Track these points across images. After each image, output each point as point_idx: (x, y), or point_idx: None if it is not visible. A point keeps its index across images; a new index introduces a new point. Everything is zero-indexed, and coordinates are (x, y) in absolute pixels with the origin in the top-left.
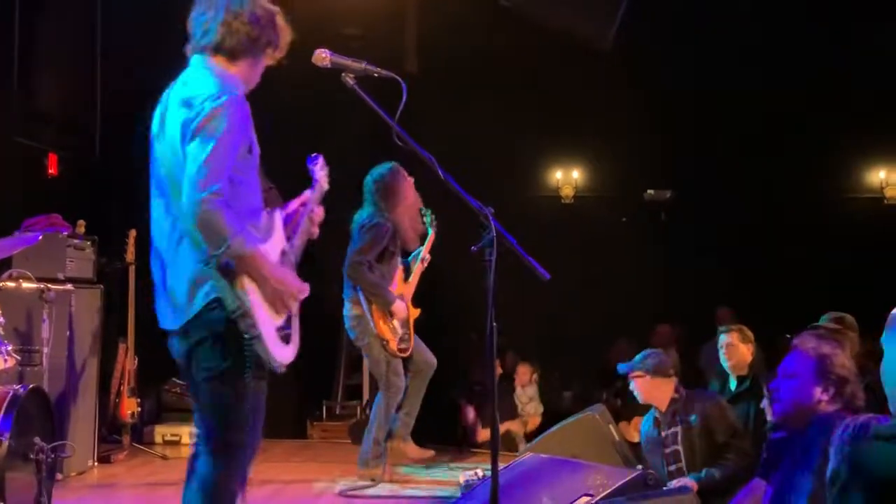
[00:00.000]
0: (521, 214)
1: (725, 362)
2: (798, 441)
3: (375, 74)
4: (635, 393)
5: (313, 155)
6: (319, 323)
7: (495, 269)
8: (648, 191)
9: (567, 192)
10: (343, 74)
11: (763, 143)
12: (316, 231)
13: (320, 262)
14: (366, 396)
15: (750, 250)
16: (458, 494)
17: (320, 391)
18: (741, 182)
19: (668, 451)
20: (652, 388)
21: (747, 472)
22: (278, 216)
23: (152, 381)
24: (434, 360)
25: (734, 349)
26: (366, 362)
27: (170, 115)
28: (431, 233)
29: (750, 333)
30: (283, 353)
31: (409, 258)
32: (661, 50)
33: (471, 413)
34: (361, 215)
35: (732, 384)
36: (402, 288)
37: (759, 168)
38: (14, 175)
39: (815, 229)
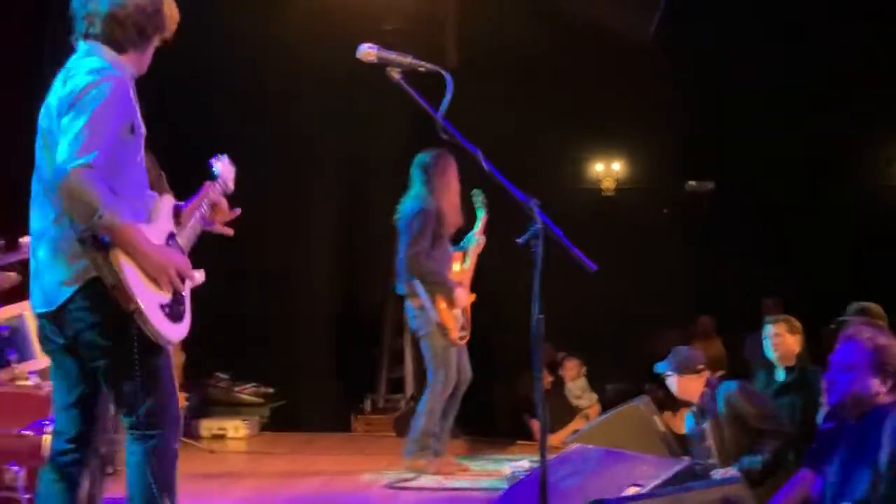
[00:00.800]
0: (562, 207)
1: (772, 353)
2: (853, 432)
3: (421, 69)
4: (675, 390)
5: (218, 155)
6: (361, 317)
7: (542, 262)
8: (690, 182)
9: (608, 184)
10: (388, 69)
11: (806, 132)
12: (218, 223)
13: (363, 256)
14: (408, 390)
15: (793, 240)
16: (505, 486)
17: (364, 385)
18: (783, 172)
19: (704, 444)
20: (682, 386)
21: (786, 454)
22: (166, 200)
23: (198, 376)
24: (468, 377)
25: (781, 340)
26: (408, 356)
27: (51, 95)
28: (483, 213)
29: (797, 324)
30: (169, 329)
31: (463, 243)
32: (702, 41)
33: (535, 424)
34: (405, 206)
35: (780, 375)
36: (459, 274)
37: (802, 157)
38: None
39: (860, 218)
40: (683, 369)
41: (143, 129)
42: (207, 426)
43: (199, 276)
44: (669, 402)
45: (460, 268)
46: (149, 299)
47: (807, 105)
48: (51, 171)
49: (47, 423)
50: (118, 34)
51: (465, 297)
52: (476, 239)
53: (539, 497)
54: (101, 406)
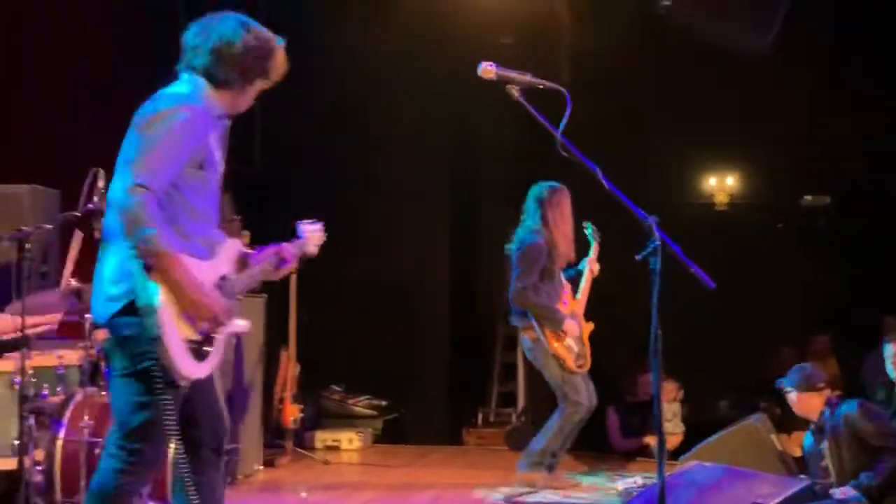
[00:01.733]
0: (675, 222)
1: (892, 373)
2: None
3: (540, 87)
4: (794, 408)
5: (310, 221)
6: (473, 331)
7: (660, 279)
8: (806, 196)
9: (721, 198)
10: (508, 86)
11: None
12: (281, 274)
13: (475, 271)
14: (520, 404)
15: None
16: (619, 502)
17: (475, 398)
18: None
19: (822, 464)
20: (802, 403)
21: None
22: (232, 244)
23: (312, 388)
24: (594, 403)
25: None
26: (520, 370)
27: (136, 114)
28: (595, 243)
29: None
30: (188, 366)
31: (573, 272)
32: (817, 52)
33: (615, 421)
34: (519, 237)
35: None
36: (573, 304)
37: None
38: None
39: None
40: (805, 386)
41: (218, 167)
42: (322, 437)
43: (244, 325)
44: (784, 422)
45: (571, 299)
46: (174, 331)
47: None
48: (113, 189)
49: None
50: (218, 71)
51: (575, 327)
52: (588, 268)
53: None
54: (203, 411)
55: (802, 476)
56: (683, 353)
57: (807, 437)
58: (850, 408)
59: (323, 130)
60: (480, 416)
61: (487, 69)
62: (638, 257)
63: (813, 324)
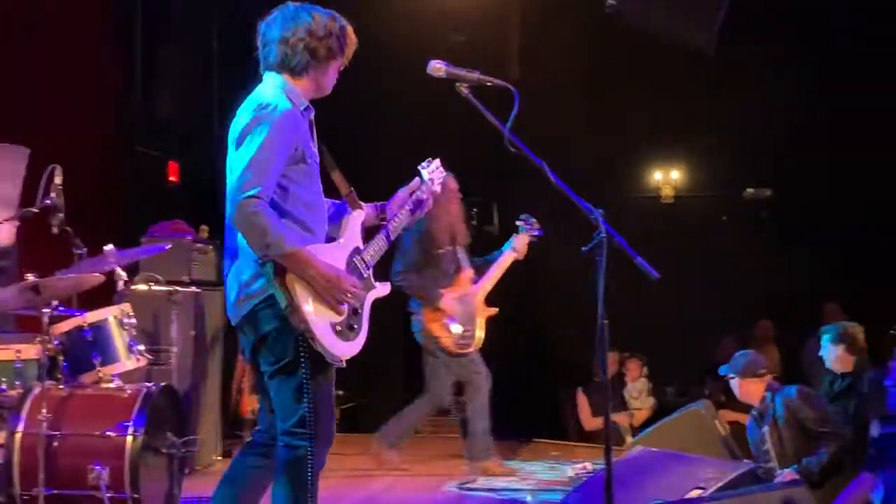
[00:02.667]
0: (621, 215)
1: (829, 364)
2: None
3: (488, 84)
4: (736, 393)
5: (427, 162)
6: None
7: (605, 269)
8: (748, 189)
9: (667, 192)
10: (457, 84)
11: (861, 138)
12: (429, 205)
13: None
14: None
15: (852, 245)
16: (569, 488)
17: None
18: (841, 178)
19: (764, 448)
20: (743, 389)
21: (844, 457)
22: (355, 217)
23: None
24: (485, 371)
25: (837, 355)
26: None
27: (231, 127)
28: (518, 235)
29: (854, 332)
30: (341, 348)
31: (482, 259)
32: (756, 50)
33: (584, 401)
34: None
35: (838, 381)
36: (464, 286)
37: (860, 162)
38: (138, 183)
39: None
40: (747, 372)
41: (316, 156)
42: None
43: (383, 288)
44: (728, 407)
45: (467, 282)
46: (320, 319)
47: (866, 107)
48: (228, 205)
49: (130, 424)
50: (291, 59)
51: (456, 307)
52: (504, 256)
53: (605, 499)
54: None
55: (746, 460)
56: (637, 339)
57: (749, 422)
58: (789, 393)
59: None
60: None
61: (437, 67)
62: (584, 249)
63: (757, 312)
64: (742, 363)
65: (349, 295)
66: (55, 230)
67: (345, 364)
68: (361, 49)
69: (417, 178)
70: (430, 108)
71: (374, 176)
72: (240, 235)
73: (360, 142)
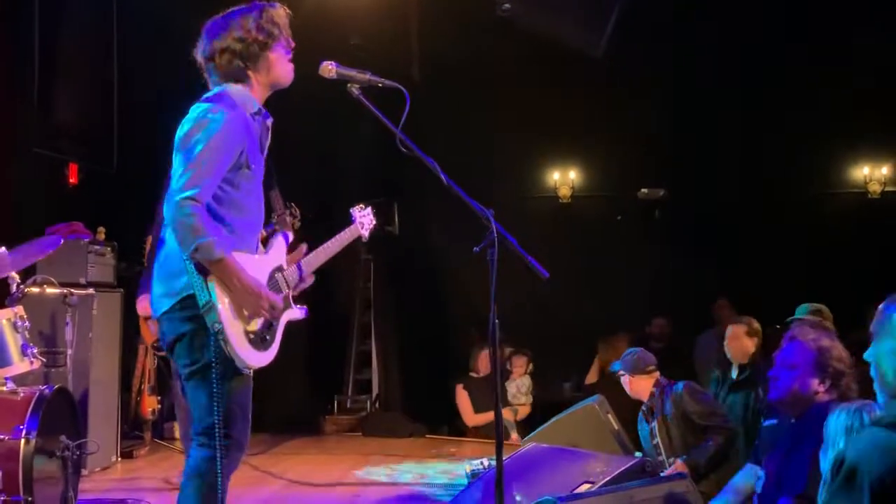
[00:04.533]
0: (520, 215)
1: (728, 352)
2: (793, 428)
3: (379, 84)
4: (626, 389)
5: (362, 205)
6: (328, 320)
7: (496, 268)
8: (642, 189)
9: (564, 192)
10: (349, 85)
11: (752, 140)
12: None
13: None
14: (375, 391)
15: (741, 244)
16: (465, 482)
17: (331, 386)
18: (731, 179)
19: (653, 442)
20: (633, 385)
21: (729, 448)
22: (282, 237)
23: (171, 379)
24: None
25: (739, 341)
26: (374, 358)
27: (178, 130)
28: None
29: (757, 326)
30: (250, 356)
31: None
32: (651, 52)
33: (464, 397)
34: None
35: (733, 373)
36: None
37: (749, 163)
38: (36, 185)
39: (802, 223)
40: (636, 369)
41: (261, 163)
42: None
43: (300, 312)
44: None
45: None
46: (234, 324)
47: (755, 112)
48: (165, 204)
49: (23, 427)
50: (228, 69)
51: None
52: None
53: (496, 494)
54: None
55: (637, 454)
56: (529, 339)
57: (639, 418)
58: (677, 389)
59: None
60: (337, 404)
61: (328, 68)
62: (476, 249)
63: (652, 309)
64: (631, 360)
65: (266, 312)
66: None
67: (251, 372)
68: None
69: (348, 229)
70: (331, 111)
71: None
72: (168, 234)
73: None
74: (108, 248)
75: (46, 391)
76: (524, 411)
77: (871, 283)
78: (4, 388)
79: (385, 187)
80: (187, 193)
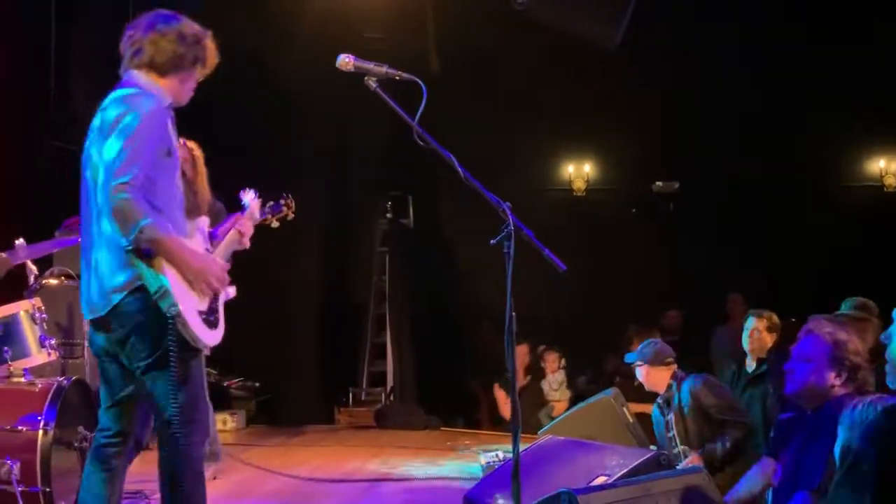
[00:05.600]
0: (534, 208)
1: (747, 345)
2: (809, 421)
3: (397, 77)
4: (642, 381)
5: (246, 189)
6: (344, 313)
7: (513, 261)
8: (657, 183)
9: (579, 185)
10: (366, 78)
11: (766, 133)
12: (246, 244)
13: (348, 255)
14: (389, 383)
15: (754, 237)
16: (481, 476)
17: (346, 379)
18: (745, 172)
19: (669, 435)
20: (651, 376)
21: (746, 443)
22: (201, 222)
23: None
24: None
25: (758, 335)
26: (389, 351)
27: (97, 120)
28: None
29: (777, 321)
30: (206, 335)
31: None
32: (666, 46)
33: (503, 395)
34: None
35: (750, 367)
36: None
37: (763, 157)
38: (52, 177)
39: (818, 217)
40: (654, 360)
41: (177, 155)
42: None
43: (232, 290)
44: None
45: None
46: (188, 305)
47: (771, 105)
48: (100, 193)
49: (41, 418)
50: (158, 58)
51: None
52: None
53: (512, 487)
54: (142, 405)
55: (652, 447)
56: (542, 332)
57: (655, 407)
58: (695, 382)
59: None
60: (352, 396)
61: (345, 61)
62: (493, 242)
63: (666, 302)
64: (650, 352)
65: (218, 279)
66: None
67: (208, 352)
68: (279, 49)
69: (239, 213)
70: (347, 105)
71: (292, 171)
72: (105, 225)
73: (278, 139)
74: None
75: (64, 382)
76: (561, 407)
77: (887, 276)
78: (22, 380)
79: (400, 180)
80: (123, 179)
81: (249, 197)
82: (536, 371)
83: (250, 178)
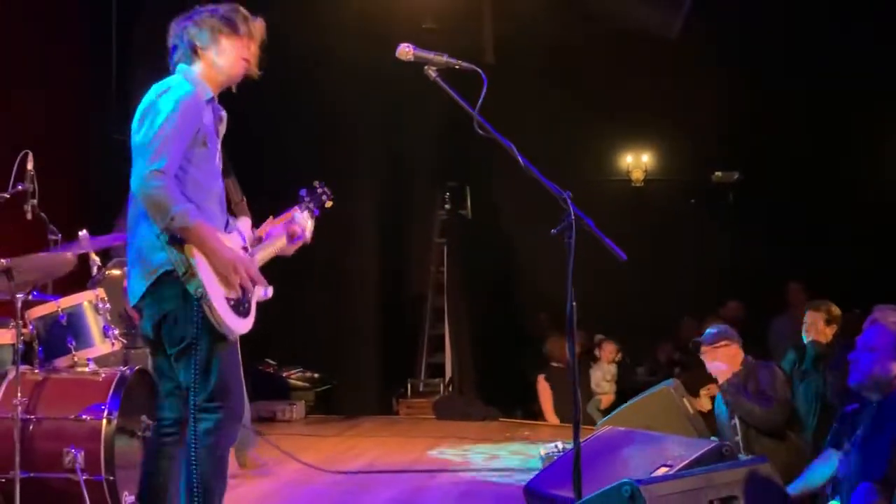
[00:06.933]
0: (592, 198)
1: (806, 337)
2: (873, 412)
3: (456, 67)
4: (707, 367)
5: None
6: (403, 305)
7: (574, 251)
8: (716, 173)
9: (637, 175)
10: (426, 67)
11: (826, 121)
12: (290, 251)
13: (406, 248)
14: (448, 374)
15: (815, 228)
16: (540, 467)
17: (404, 370)
18: (806, 162)
19: (732, 422)
20: (726, 354)
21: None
22: (243, 221)
23: (246, 361)
24: None
25: (816, 327)
26: (447, 342)
27: (138, 109)
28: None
29: (837, 312)
30: (235, 322)
31: None
32: (725, 34)
33: (546, 390)
34: None
35: (809, 359)
36: None
37: (823, 148)
38: (115, 170)
39: (881, 207)
40: (733, 338)
41: (216, 146)
42: (256, 409)
43: (269, 291)
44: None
45: None
46: (215, 291)
47: (830, 95)
48: (133, 181)
49: (104, 407)
50: (188, 47)
51: None
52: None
53: (573, 477)
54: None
55: (713, 438)
56: (601, 323)
57: (718, 399)
58: (762, 367)
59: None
60: (410, 387)
61: (405, 50)
62: (553, 231)
63: (724, 293)
64: (719, 332)
65: (247, 274)
66: (28, 216)
67: (237, 341)
68: (337, 40)
69: (291, 213)
70: (403, 97)
71: (349, 164)
72: (141, 210)
73: (334, 131)
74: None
75: (127, 372)
76: (607, 400)
77: None
78: (86, 369)
79: (457, 171)
80: (155, 166)
81: (303, 217)
82: (587, 360)
83: (306, 173)
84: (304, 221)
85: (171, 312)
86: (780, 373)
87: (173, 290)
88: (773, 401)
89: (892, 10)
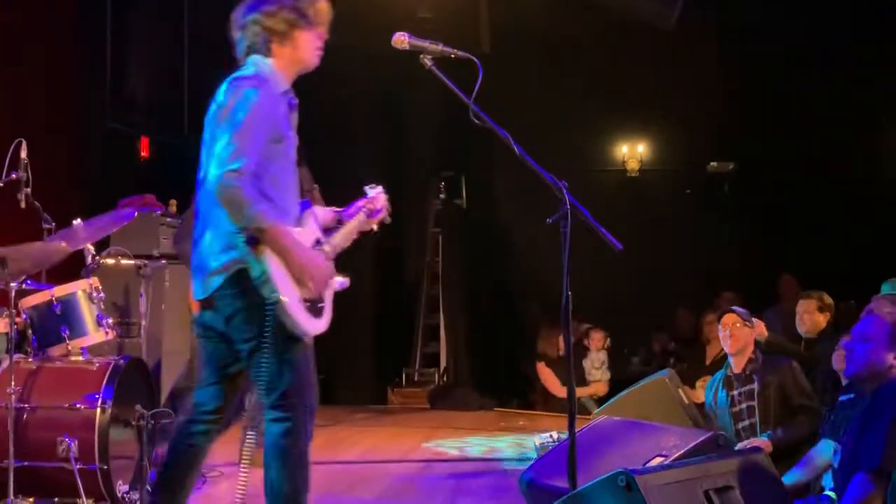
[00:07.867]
0: (588, 188)
1: (800, 327)
2: (868, 403)
3: (452, 56)
4: (725, 343)
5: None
6: (397, 295)
7: (570, 241)
8: (712, 163)
9: (633, 165)
10: (421, 56)
11: (822, 113)
12: (371, 225)
13: (399, 236)
14: (442, 364)
15: (810, 219)
16: (535, 457)
17: (399, 360)
18: (801, 152)
19: (737, 409)
20: (744, 335)
21: (814, 431)
22: (315, 211)
23: None
24: None
25: (810, 316)
26: (442, 332)
27: (212, 106)
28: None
29: (829, 301)
30: (310, 323)
31: None
32: (721, 26)
33: (548, 372)
34: None
35: (802, 348)
36: None
37: (818, 140)
38: (109, 159)
39: (876, 199)
40: (749, 319)
41: (292, 141)
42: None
43: (343, 281)
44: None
45: None
46: (290, 293)
47: (825, 86)
48: (209, 177)
49: (99, 396)
50: (253, 38)
51: None
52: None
53: (568, 467)
54: (241, 386)
55: (709, 428)
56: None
57: (711, 382)
58: (782, 362)
59: None
60: (405, 377)
61: (401, 39)
62: (549, 221)
63: (719, 284)
64: (746, 312)
65: (321, 275)
66: (22, 205)
67: (311, 340)
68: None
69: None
70: (398, 85)
71: (342, 151)
72: (210, 208)
73: (329, 120)
74: (180, 221)
75: (121, 361)
76: (601, 388)
77: None
78: (80, 359)
79: (453, 161)
80: (234, 165)
81: (375, 192)
82: (579, 349)
83: (301, 161)
84: (380, 197)
85: (241, 310)
86: (799, 375)
87: (243, 288)
88: (802, 415)
89: (888, 4)
